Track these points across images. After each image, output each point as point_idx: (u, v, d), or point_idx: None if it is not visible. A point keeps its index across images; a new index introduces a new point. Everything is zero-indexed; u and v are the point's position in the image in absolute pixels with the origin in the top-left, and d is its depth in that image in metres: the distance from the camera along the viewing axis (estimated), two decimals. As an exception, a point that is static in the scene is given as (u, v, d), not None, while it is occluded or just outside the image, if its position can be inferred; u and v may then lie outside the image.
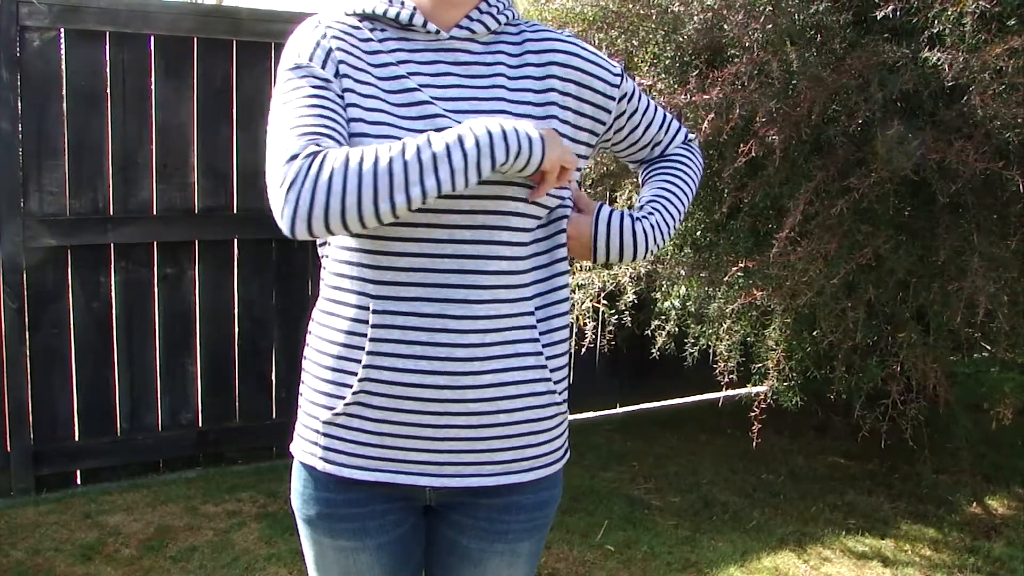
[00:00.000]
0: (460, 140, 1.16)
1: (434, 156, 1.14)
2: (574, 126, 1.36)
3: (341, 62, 1.25)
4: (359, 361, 1.27)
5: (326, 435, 1.33)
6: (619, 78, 1.40)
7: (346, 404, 1.29)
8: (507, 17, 1.35)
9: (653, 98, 2.86)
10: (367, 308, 1.27)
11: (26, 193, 3.42)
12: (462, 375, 1.26)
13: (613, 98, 1.39)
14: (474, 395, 1.27)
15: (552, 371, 1.35)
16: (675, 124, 1.54)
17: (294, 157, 1.15)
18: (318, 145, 1.17)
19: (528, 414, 1.33)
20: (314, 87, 1.22)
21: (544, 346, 1.34)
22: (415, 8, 1.30)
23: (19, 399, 3.48)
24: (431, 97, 1.27)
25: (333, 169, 1.13)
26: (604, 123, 1.40)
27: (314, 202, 1.13)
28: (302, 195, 1.13)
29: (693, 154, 1.56)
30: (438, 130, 1.21)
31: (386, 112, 1.25)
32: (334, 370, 1.30)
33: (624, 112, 1.43)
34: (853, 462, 4.09)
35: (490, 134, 1.17)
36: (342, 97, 1.24)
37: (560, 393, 1.37)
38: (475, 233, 1.26)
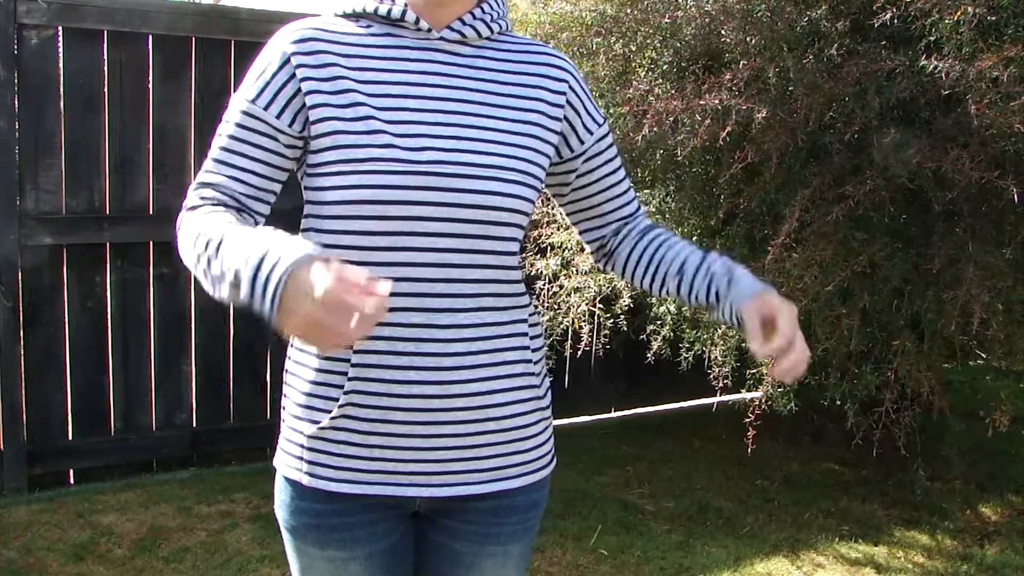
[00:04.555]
0: (244, 270, 1.09)
1: (221, 273, 1.13)
2: (553, 131, 1.37)
3: (305, 79, 1.25)
4: (344, 374, 1.26)
5: (311, 449, 1.31)
6: (604, 121, 1.43)
7: (332, 418, 1.28)
8: (500, 27, 1.35)
9: (650, 103, 2.87)
10: None
11: (22, 191, 3.42)
12: (450, 384, 1.26)
13: (591, 132, 1.41)
14: (463, 403, 1.27)
15: (537, 376, 1.37)
16: (636, 201, 1.51)
17: (184, 208, 1.28)
18: (200, 199, 1.27)
19: (516, 420, 1.33)
20: (238, 130, 1.27)
21: (533, 351, 1.36)
22: (407, 5, 1.28)
23: (13, 398, 3.47)
24: (413, 95, 1.27)
25: (184, 241, 1.23)
26: (572, 150, 1.40)
27: (181, 258, 1.25)
28: (176, 244, 1.26)
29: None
30: (415, 136, 1.24)
31: (368, 106, 1.25)
32: (318, 383, 1.29)
33: (599, 153, 1.42)
34: (847, 469, 4.09)
35: (252, 279, 1.06)
36: (280, 137, 1.27)
37: (544, 398, 1.39)
38: (458, 242, 1.26)
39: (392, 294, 1.19)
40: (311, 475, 1.32)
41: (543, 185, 1.37)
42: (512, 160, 1.29)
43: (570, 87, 1.38)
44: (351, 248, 1.25)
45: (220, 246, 1.13)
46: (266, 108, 1.26)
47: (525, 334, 1.34)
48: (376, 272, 1.23)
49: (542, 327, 1.42)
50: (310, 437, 1.31)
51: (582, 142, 1.40)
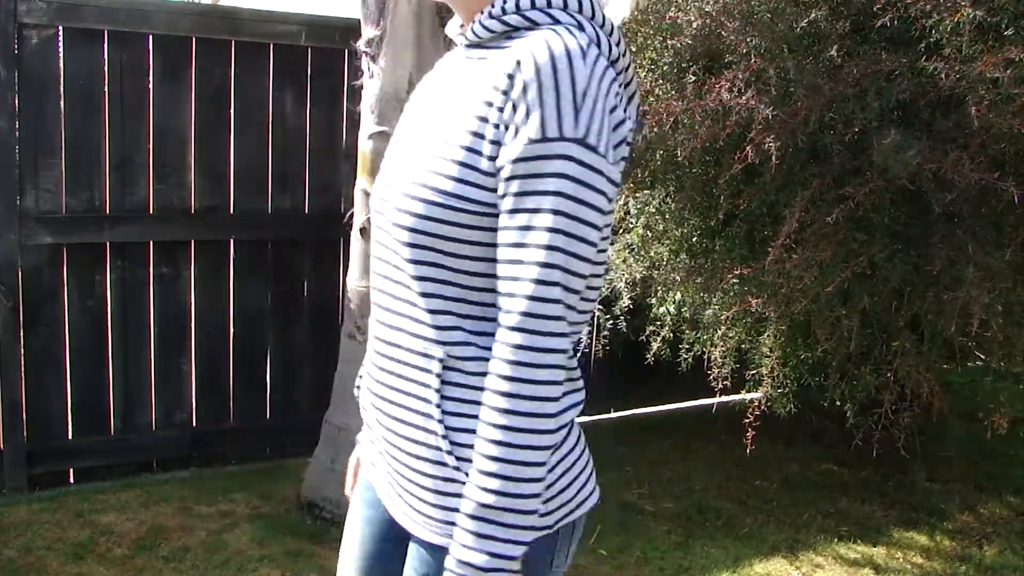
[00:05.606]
0: None
1: None
2: (488, 140, 1.12)
3: None
4: None
5: None
6: (544, 140, 1.07)
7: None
8: (504, 25, 1.16)
9: (651, 104, 2.86)
10: None
11: (23, 191, 3.42)
12: (374, 383, 1.30)
13: (514, 137, 1.09)
14: (378, 404, 1.30)
15: (450, 441, 1.17)
16: (555, 277, 1.10)
17: None
18: None
19: (410, 462, 1.23)
20: None
21: (444, 399, 1.18)
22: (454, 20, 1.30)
23: (13, 397, 3.47)
24: (416, 105, 1.32)
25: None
26: (496, 153, 1.12)
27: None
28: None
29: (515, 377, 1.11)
30: (392, 149, 1.31)
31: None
32: None
33: (512, 177, 1.10)
34: (846, 470, 4.09)
35: None
36: None
37: (457, 467, 1.17)
38: (389, 255, 1.23)
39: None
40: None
41: (483, 206, 1.13)
42: (430, 176, 1.15)
43: (515, 80, 1.09)
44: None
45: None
46: None
47: (430, 371, 1.18)
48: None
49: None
50: None
51: (498, 148, 1.11)
